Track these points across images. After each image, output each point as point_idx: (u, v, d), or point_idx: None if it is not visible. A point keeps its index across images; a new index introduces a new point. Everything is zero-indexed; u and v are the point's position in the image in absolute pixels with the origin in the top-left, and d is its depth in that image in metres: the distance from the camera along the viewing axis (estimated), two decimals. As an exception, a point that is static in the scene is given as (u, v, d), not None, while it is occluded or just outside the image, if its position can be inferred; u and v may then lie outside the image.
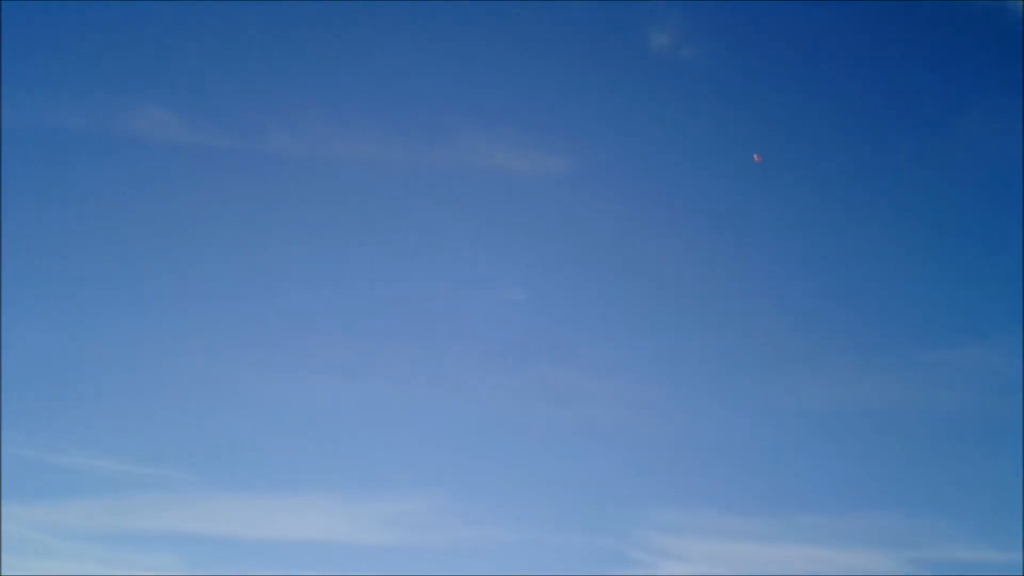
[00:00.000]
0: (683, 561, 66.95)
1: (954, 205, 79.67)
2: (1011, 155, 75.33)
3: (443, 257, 78.55)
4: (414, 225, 78.17)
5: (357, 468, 72.50)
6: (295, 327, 75.38)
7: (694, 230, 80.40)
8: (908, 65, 79.41)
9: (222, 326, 74.97)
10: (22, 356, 70.39)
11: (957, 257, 78.55)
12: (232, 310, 75.30)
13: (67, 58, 76.21)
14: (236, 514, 69.80)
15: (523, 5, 79.89)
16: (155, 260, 75.46)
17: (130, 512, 68.97)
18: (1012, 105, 75.61)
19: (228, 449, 72.00)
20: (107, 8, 77.34)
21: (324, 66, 79.79)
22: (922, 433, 72.67)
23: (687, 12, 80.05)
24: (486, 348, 76.58)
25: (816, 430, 73.34)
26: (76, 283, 74.47)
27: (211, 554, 67.59)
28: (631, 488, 71.64)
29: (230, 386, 72.98)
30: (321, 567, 66.45)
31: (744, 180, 78.48)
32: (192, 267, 75.61)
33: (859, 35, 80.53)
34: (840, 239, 79.19)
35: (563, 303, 79.13)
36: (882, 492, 70.36)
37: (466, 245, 78.83)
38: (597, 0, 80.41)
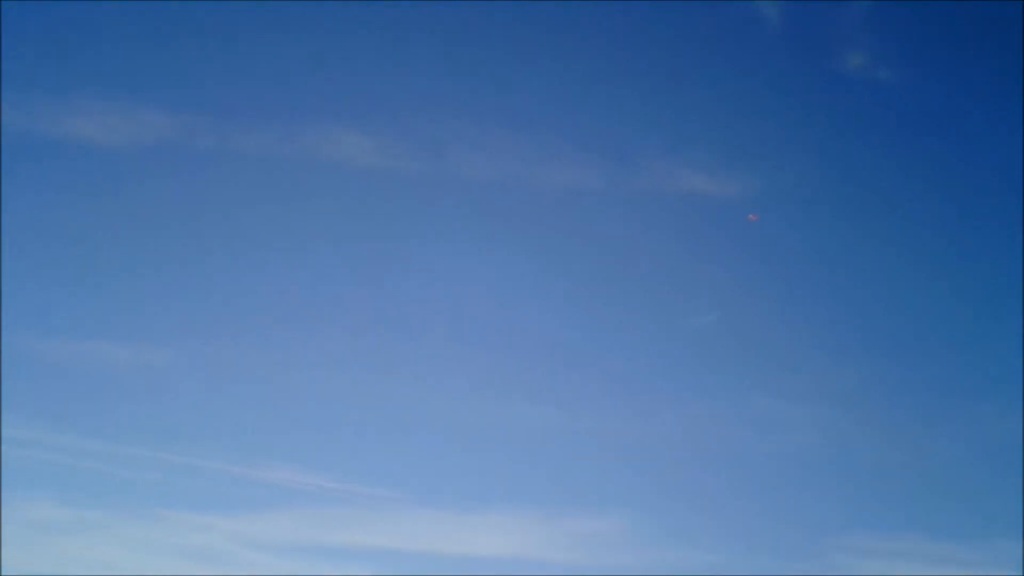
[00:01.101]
0: (884, 587, 65.25)
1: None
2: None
3: (634, 282, 78.38)
4: (607, 248, 78.38)
5: (551, 487, 72.64)
6: (491, 353, 76.25)
7: (887, 256, 78.58)
8: None
9: (423, 350, 76.59)
10: (229, 373, 73.40)
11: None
12: (437, 335, 76.84)
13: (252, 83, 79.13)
14: (430, 530, 70.52)
15: (713, 25, 79.83)
16: (355, 281, 77.95)
17: (328, 526, 70.33)
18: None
19: (426, 467, 73.09)
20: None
21: (510, 84, 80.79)
22: None
23: (882, 32, 78.83)
24: (680, 373, 76.18)
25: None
26: (301, 302, 76.70)
27: (407, 569, 68.42)
28: (829, 512, 70.25)
29: (431, 408, 74.20)
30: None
31: (943, 205, 77.20)
32: (395, 285, 77.46)
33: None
34: None
35: (754, 327, 77.96)
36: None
37: (658, 269, 78.64)
38: (789, 19, 79.64)
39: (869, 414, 73.84)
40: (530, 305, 77.95)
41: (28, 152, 74.05)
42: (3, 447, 66.88)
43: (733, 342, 77.19)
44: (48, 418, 70.78)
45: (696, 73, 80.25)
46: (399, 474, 72.49)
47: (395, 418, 74.12)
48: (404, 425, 74.14)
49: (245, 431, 73.11)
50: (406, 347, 76.25)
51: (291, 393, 74.36)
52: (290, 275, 77.32)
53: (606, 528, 70.29)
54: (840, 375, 75.46)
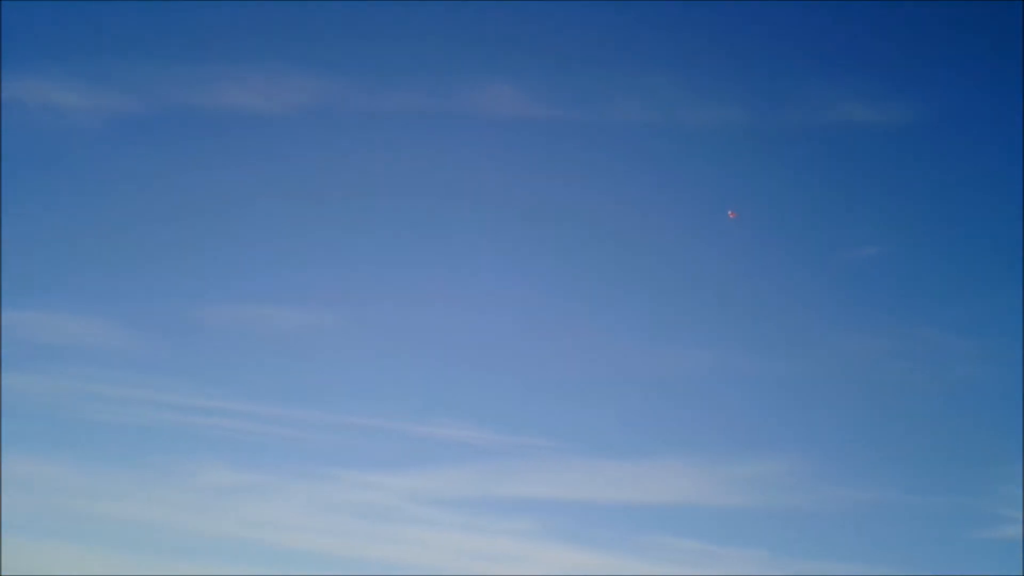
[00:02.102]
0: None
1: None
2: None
3: (789, 217, 77.16)
4: (761, 184, 77.23)
5: (713, 432, 72.40)
6: (646, 297, 76.19)
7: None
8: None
9: (578, 300, 77.06)
10: (395, 333, 75.02)
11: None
12: (593, 284, 77.38)
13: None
14: (594, 479, 70.71)
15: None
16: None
17: (493, 479, 71.00)
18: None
19: (590, 417, 73.34)
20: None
21: (659, 25, 79.78)
22: None
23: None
24: (839, 308, 74.84)
25: None
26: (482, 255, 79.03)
27: (568, 519, 68.86)
28: (996, 445, 68.43)
29: (590, 357, 74.57)
30: (675, 530, 66.75)
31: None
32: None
33: None
34: None
35: (916, 259, 76.03)
36: None
37: (813, 203, 77.18)
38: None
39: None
40: (685, 245, 77.51)
41: (189, 123, 77.39)
42: (178, 414, 69.71)
43: (893, 275, 75.65)
44: (220, 384, 72.98)
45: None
46: (562, 425, 72.89)
47: (556, 370, 74.78)
48: (565, 376, 74.75)
49: (412, 389, 74.42)
50: (562, 297, 76.93)
51: (455, 350, 75.67)
52: (452, 233, 78.76)
53: (769, 470, 69.67)
54: (1006, 305, 73.17)
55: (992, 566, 62.20)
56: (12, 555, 62.01)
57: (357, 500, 68.92)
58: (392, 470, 70.70)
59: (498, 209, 78.95)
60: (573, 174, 78.64)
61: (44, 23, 76.29)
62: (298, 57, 77.16)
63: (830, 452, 70.26)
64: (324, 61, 77.31)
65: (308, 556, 66.60)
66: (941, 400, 70.35)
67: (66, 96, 73.76)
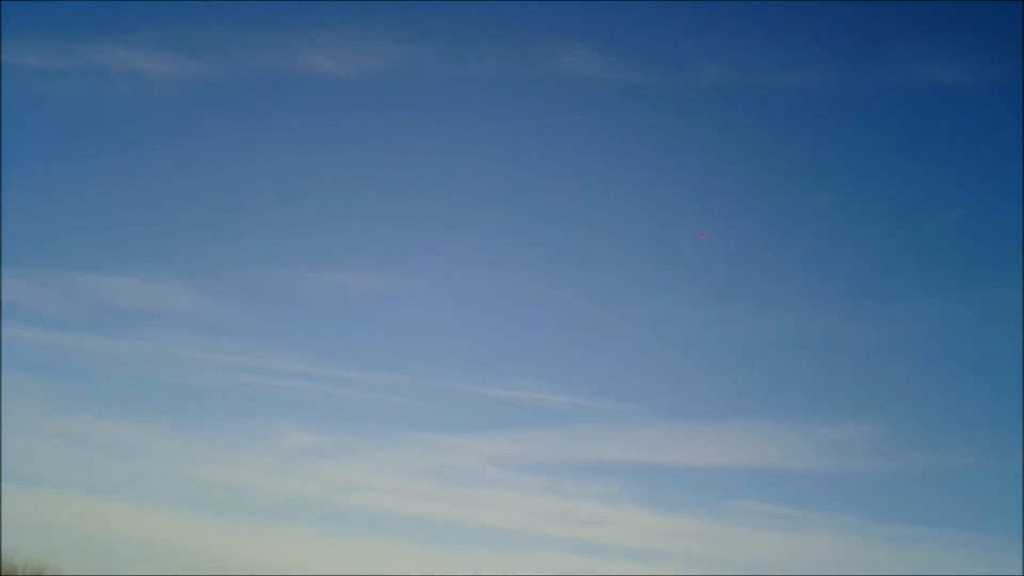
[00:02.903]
0: None
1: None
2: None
3: (876, 180, 76.58)
4: (841, 147, 76.65)
5: (793, 395, 72.10)
6: (725, 262, 75.99)
7: None
8: None
9: (656, 263, 76.97)
10: (475, 297, 75.44)
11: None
12: (671, 248, 77.44)
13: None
14: (676, 443, 70.51)
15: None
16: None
17: (575, 442, 70.99)
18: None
19: (670, 380, 73.27)
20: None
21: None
22: None
23: None
24: (925, 271, 74.26)
25: None
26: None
27: (650, 483, 68.79)
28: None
29: (668, 321, 74.40)
30: (758, 494, 66.54)
31: None
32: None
33: None
34: None
35: (1004, 223, 74.57)
36: None
37: (897, 166, 76.40)
38: None
39: None
40: (764, 207, 77.05)
41: (269, 89, 77.72)
42: (266, 377, 70.52)
43: (978, 238, 74.54)
44: (303, 348, 73.75)
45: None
46: (644, 389, 73.10)
47: (638, 334, 74.77)
48: (648, 340, 74.68)
49: (494, 353, 74.98)
50: (642, 262, 76.86)
51: (537, 314, 75.88)
52: (532, 197, 78.88)
53: (854, 434, 68.95)
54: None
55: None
56: (107, 517, 63.33)
57: (437, 463, 69.30)
58: (472, 433, 71.03)
59: (577, 173, 78.84)
60: (653, 137, 78.24)
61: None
62: (377, 23, 77.58)
63: (915, 416, 69.69)
64: (403, 27, 77.45)
65: (389, 518, 67.29)
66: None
67: (148, 63, 74.56)
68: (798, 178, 74.96)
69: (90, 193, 76.33)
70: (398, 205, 77.92)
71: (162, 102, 75.79)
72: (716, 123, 77.82)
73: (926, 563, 61.74)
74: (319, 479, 68.04)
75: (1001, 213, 74.22)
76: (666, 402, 70.95)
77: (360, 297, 75.28)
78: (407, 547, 65.09)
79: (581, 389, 72.15)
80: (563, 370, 74.02)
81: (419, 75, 76.24)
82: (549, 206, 78.63)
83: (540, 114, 79.15)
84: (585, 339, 74.92)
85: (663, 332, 74.17)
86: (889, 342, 71.50)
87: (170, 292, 73.65)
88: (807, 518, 65.48)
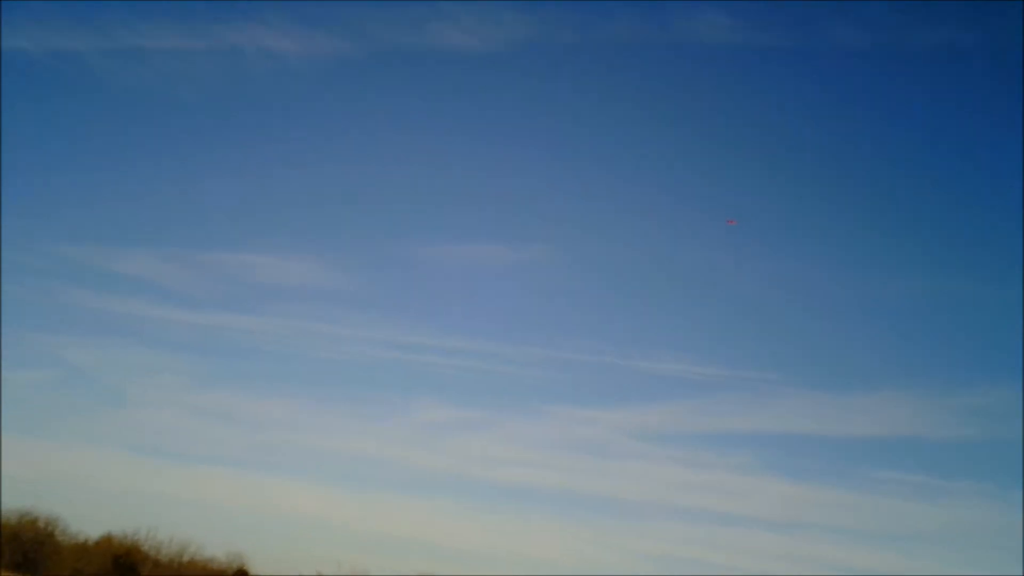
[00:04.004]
0: None
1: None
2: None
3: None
4: (991, 109, 75.28)
5: (933, 361, 71.35)
6: (859, 223, 75.22)
7: None
8: None
9: (805, 230, 76.36)
10: (607, 265, 75.23)
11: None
12: (806, 210, 76.71)
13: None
14: (813, 412, 69.79)
15: None
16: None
17: (712, 414, 70.52)
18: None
19: (807, 349, 72.64)
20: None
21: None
22: None
23: None
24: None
25: None
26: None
27: (787, 453, 68.36)
28: None
29: (806, 285, 73.74)
30: (898, 463, 65.82)
31: None
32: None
33: None
34: None
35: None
36: None
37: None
38: None
39: None
40: (898, 171, 76.22)
41: (402, 63, 77.78)
42: (402, 352, 71.01)
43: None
44: (437, 322, 74.31)
45: None
46: (780, 357, 72.84)
47: (773, 302, 74.25)
48: (783, 308, 74.25)
49: (628, 324, 74.94)
50: (778, 227, 76.21)
51: (670, 284, 75.67)
52: (665, 162, 78.71)
53: (994, 400, 67.75)
54: None
55: None
56: (248, 492, 64.23)
57: (573, 435, 69.42)
58: (608, 405, 71.12)
59: (710, 138, 78.44)
60: (787, 100, 77.52)
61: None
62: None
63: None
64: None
65: (525, 491, 67.66)
66: None
67: (281, 41, 75.29)
68: (933, 140, 73.58)
69: (225, 173, 77.47)
70: (532, 176, 77.98)
71: (297, 79, 76.56)
72: (851, 85, 76.87)
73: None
74: (456, 452, 68.56)
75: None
76: (803, 371, 70.44)
77: (496, 270, 75.69)
78: (543, 520, 65.46)
79: (717, 359, 72.09)
80: (699, 341, 74.25)
81: (551, 43, 75.99)
82: (686, 172, 78.20)
83: (675, 77, 78.79)
84: (721, 309, 74.46)
85: (799, 299, 73.51)
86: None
87: (307, 269, 74.69)
88: (947, 487, 64.75)
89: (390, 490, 66.73)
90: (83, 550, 51.47)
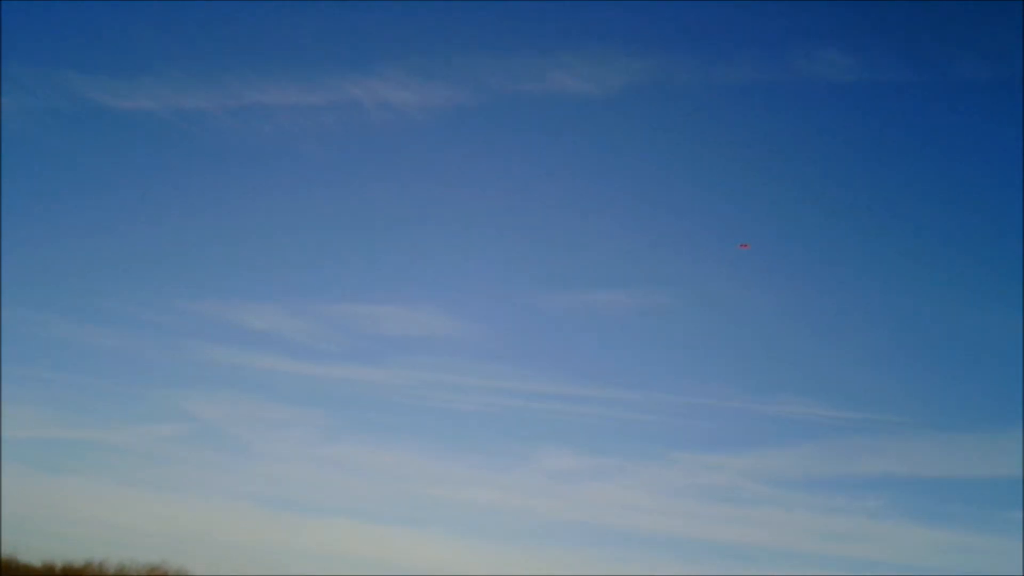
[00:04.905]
0: None
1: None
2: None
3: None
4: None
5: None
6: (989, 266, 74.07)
7: None
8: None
9: (931, 268, 75.50)
10: (727, 311, 74.64)
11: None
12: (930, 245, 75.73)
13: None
14: (946, 453, 67.99)
15: None
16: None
17: (841, 457, 69.17)
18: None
19: (935, 388, 71.08)
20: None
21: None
22: None
23: None
24: None
25: None
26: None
27: (924, 496, 66.85)
28: None
29: (937, 328, 72.59)
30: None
31: None
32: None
33: None
34: None
35: None
36: None
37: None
38: None
39: None
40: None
41: (519, 111, 78.08)
42: (526, 400, 70.90)
43: None
44: (559, 369, 74.01)
45: None
46: (910, 398, 70.73)
47: (901, 341, 72.95)
48: (911, 347, 72.82)
49: (751, 368, 73.85)
50: (900, 265, 75.06)
51: (791, 326, 74.72)
52: (785, 202, 78.03)
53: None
54: None
55: None
56: (376, 543, 64.47)
57: (699, 481, 68.54)
58: (733, 450, 70.14)
59: (834, 177, 77.53)
60: (912, 137, 76.41)
61: (375, 26, 79.03)
62: (621, 39, 77.08)
63: None
64: (648, 40, 77.00)
65: (653, 538, 66.78)
66: None
67: (400, 94, 75.84)
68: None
69: (348, 225, 78.20)
70: (654, 221, 77.63)
71: (415, 130, 77.06)
72: (980, 118, 75.43)
73: None
74: (583, 501, 68.08)
75: None
76: (936, 411, 68.63)
77: (616, 316, 75.19)
78: (674, 568, 64.58)
79: (846, 401, 70.57)
80: (826, 382, 72.53)
81: (668, 87, 75.68)
82: (810, 213, 77.24)
83: (795, 118, 77.94)
84: (845, 350, 73.23)
85: (926, 340, 71.98)
86: None
87: (431, 319, 74.97)
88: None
89: (517, 540, 66.50)
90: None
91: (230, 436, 69.62)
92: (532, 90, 75.29)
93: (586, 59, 74.84)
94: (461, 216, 78.20)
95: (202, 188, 77.44)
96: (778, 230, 76.76)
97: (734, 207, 77.83)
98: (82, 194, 77.05)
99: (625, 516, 67.47)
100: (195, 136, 75.92)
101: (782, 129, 78.64)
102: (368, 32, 78.09)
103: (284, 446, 69.86)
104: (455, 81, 75.44)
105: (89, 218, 76.09)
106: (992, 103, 75.43)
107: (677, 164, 77.90)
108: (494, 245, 78.00)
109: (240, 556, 60.91)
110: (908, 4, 75.65)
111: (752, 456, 69.66)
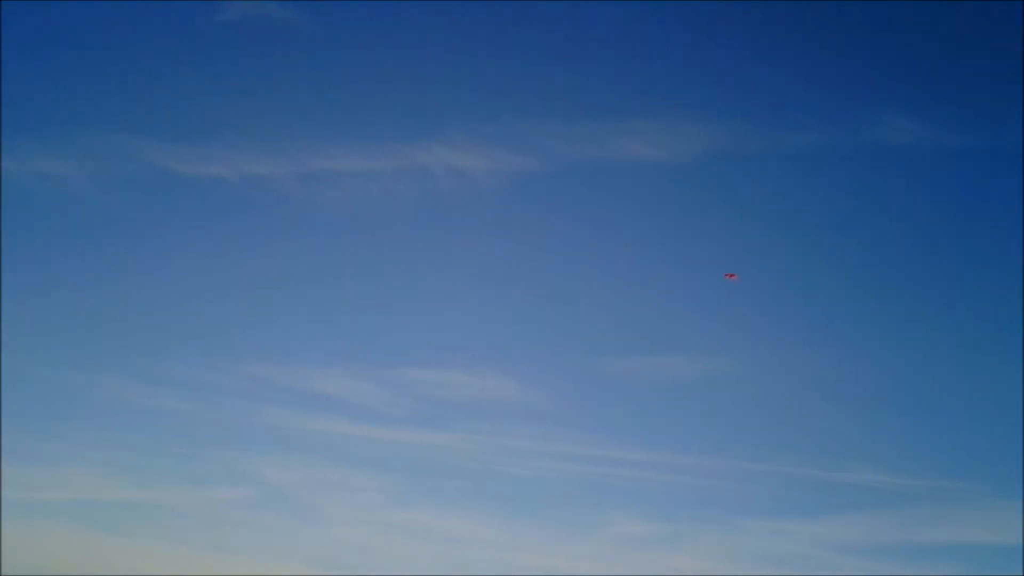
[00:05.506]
0: None
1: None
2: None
3: None
4: None
5: None
6: None
7: None
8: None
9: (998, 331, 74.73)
10: (793, 377, 74.06)
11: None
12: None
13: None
14: (1015, 522, 67.27)
15: None
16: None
17: (912, 525, 68.27)
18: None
19: (1011, 455, 70.10)
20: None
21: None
22: None
23: None
24: None
25: None
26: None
27: (1002, 565, 65.74)
28: None
29: (1002, 393, 71.61)
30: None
31: None
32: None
33: None
34: None
35: None
36: None
37: None
38: None
39: None
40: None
41: (588, 178, 78.66)
42: (591, 465, 70.70)
43: None
44: (626, 434, 73.74)
45: None
46: (984, 465, 69.73)
47: (972, 406, 72.24)
48: (982, 412, 72.14)
49: (820, 434, 72.89)
50: (961, 330, 74.73)
51: (863, 393, 73.97)
52: (860, 271, 77.87)
53: None
54: None
55: None
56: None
57: (767, 548, 67.71)
58: (801, 517, 69.28)
59: (900, 242, 77.33)
60: (988, 202, 76.24)
61: (442, 93, 79.97)
62: (691, 105, 77.74)
63: None
64: (718, 107, 77.54)
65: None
66: None
67: (468, 160, 76.61)
68: None
69: (415, 290, 78.60)
70: (718, 287, 77.46)
71: (483, 196, 77.68)
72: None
73: None
74: (650, 568, 67.41)
75: None
76: (1003, 478, 67.65)
77: (683, 381, 74.91)
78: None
79: (918, 468, 69.62)
80: (893, 449, 71.78)
81: (737, 153, 75.95)
82: (873, 279, 77.03)
83: (865, 182, 78.02)
84: (914, 416, 72.58)
85: (996, 404, 71.29)
86: None
87: (498, 384, 74.93)
88: None
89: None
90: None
91: (295, 500, 69.73)
92: (600, 156, 76.00)
93: (655, 125, 75.52)
94: (526, 281, 78.49)
95: (268, 254, 78.01)
96: (846, 295, 76.80)
97: (794, 272, 77.89)
98: (150, 259, 77.69)
99: (691, 583, 67.07)
100: (263, 202, 77.02)
101: (847, 192, 78.65)
102: (435, 98, 78.98)
103: (350, 510, 69.87)
104: (523, 147, 76.24)
105: (157, 282, 76.63)
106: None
107: (745, 230, 78.00)
108: (559, 310, 78.07)
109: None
110: (978, 69, 76.23)
111: (820, 523, 68.84)
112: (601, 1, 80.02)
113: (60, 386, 70.45)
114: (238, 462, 69.63)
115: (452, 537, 69.72)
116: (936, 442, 71.98)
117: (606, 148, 76.37)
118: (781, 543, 68.31)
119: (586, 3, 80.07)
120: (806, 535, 68.50)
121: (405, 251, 79.49)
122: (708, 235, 78.10)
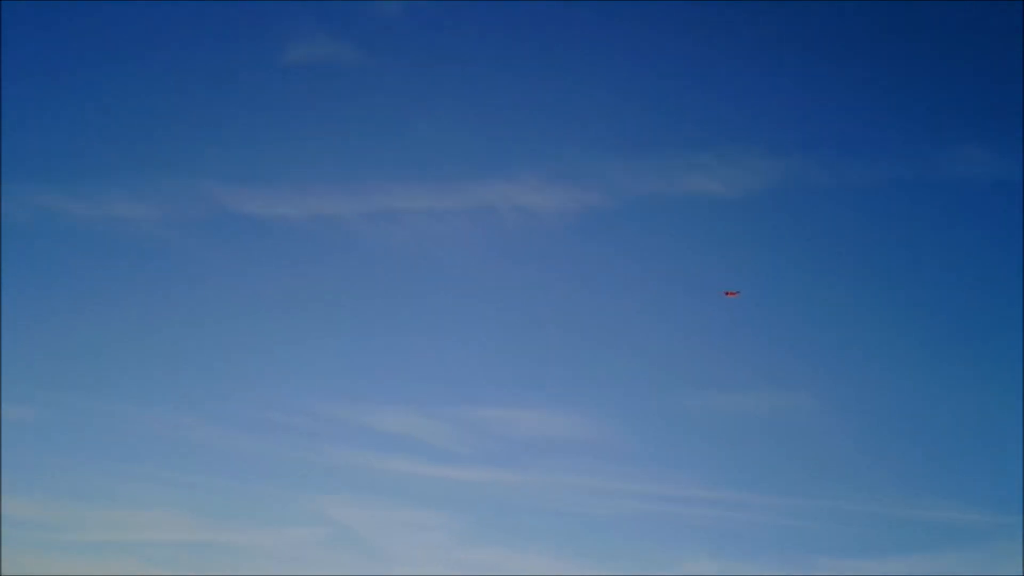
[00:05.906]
0: None
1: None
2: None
3: None
4: None
5: None
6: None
7: None
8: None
9: None
10: (865, 411, 73.22)
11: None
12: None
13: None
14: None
15: None
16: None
17: (991, 561, 66.62)
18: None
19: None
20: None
21: None
22: None
23: None
24: None
25: None
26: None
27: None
28: None
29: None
30: None
31: None
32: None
33: None
34: None
35: None
36: None
37: None
38: None
39: None
40: None
41: (653, 212, 78.64)
42: (661, 504, 69.90)
43: None
44: (700, 472, 72.85)
45: None
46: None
47: None
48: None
49: (891, 471, 71.84)
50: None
51: (944, 430, 72.84)
52: (921, 306, 76.69)
53: None
54: None
55: None
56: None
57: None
58: (878, 556, 67.92)
59: (975, 276, 76.28)
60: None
61: (508, 131, 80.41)
62: (756, 139, 77.51)
63: None
64: (782, 140, 77.23)
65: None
66: None
67: (533, 197, 76.71)
68: None
69: (483, 329, 78.53)
70: (791, 322, 76.95)
71: (549, 233, 77.68)
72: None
73: None
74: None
75: None
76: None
77: (756, 416, 74.07)
78: None
79: (994, 504, 68.22)
80: (973, 485, 70.42)
81: (804, 188, 75.57)
82: (948, 314, 75.86)
83: (934, 216, 77.16)
84: (991, 450, 71.24)
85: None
86: None
87: (570, 421, 74.48)
88: None
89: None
90: None
91: (366, 539, 69.53)
92: (666, 191, 76.12)
93: (720, 160, 75.55)
94: (595, 317, 78.27)
95: (337, 293, 78.47)
96: (921, 330, 75.80)
97: (868, 306, 77.11)
98: (221, 301, 78.47)
99: (767, 624, 65.95)
100: (331, 241, 77.55)
101: (920, 227, 77.79)
102: (501, 137, 79.58)
103: (420, 550, 69.44)
104: (588, 183, 76.44)
105: (229, 323, 77.27)
106: None
107: (813, 265, 77.39)
108: (629, 346, 77.69)
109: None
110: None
111: (897, 561, 67.43)
112: (665, 39, 79.95)
113: (135, 426, 71.16)
114: (308, 502, 69.71)
115: (524, 576, 69.13)
116: (1018, 478, 70.22)
117: (671, 183, 76.35)
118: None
119: (650, 42, 79.95)
120: (883, 574, 67.25)
121: (473, 290, 79.59)
122: (778, 270, 77.59)
